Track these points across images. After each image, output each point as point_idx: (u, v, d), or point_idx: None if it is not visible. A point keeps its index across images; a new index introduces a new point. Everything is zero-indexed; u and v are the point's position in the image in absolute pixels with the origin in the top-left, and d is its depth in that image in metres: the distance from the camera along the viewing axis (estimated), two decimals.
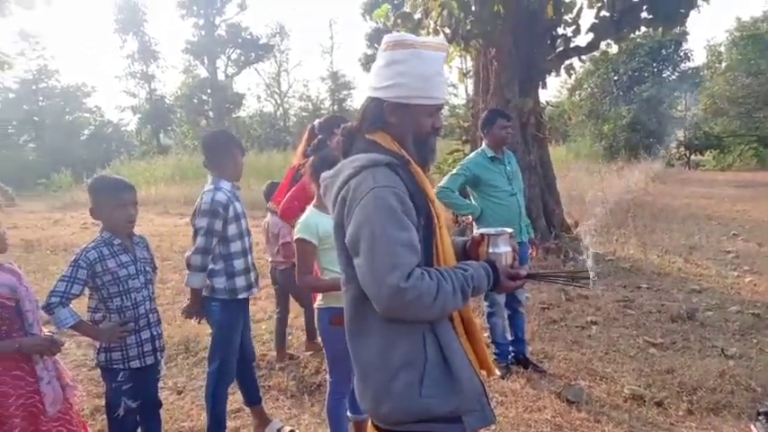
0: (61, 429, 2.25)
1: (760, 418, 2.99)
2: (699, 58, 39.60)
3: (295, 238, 2.55)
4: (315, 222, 2.55)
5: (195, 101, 32.74)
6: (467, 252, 1.78)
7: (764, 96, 24.80)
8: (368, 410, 1.61)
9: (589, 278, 1.81)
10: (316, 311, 2.67)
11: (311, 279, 2.57)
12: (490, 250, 1.68)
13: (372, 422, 1.62)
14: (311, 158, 2.73)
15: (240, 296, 2.99)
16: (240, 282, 2.97)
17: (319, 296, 2.65)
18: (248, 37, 33.24)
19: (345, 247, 1.53)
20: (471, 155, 4.18)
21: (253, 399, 3.28)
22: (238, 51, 33.64)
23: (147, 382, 2.58)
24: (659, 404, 3.41)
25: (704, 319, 4.93)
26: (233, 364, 3.04)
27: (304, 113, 37.30)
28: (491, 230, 1.71)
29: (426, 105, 1.60)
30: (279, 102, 39.40)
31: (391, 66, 1.58)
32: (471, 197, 4.11)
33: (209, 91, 32.84)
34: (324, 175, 1.68)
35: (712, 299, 5.55)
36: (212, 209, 2.83)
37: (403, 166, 1.56)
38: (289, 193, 3.22)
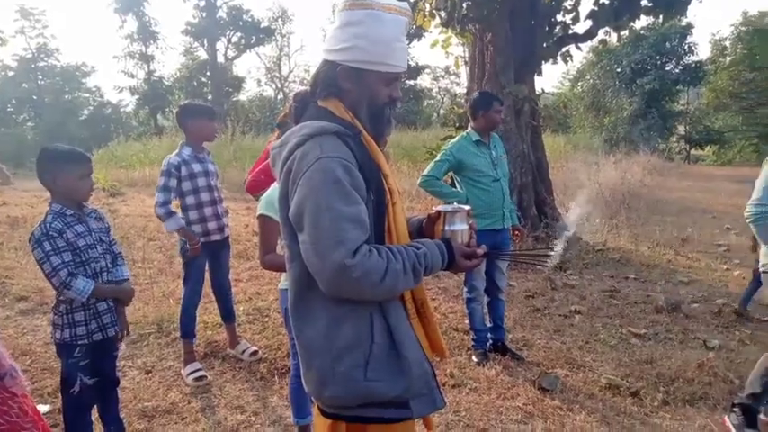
0: None
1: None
2: (703, 52, 39.28)
3: (257, 214, 2.47)
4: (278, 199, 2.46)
5: (194, 83, 32.41)
6: (422, 230, 1.70)
7: None
8: (312, 394, 1.54)
9: (549, 257, 1.73)
10: (279, 292, 2.60)
11: (273, 258, 2.49)
12: (446, 228, 1.60)
13: (318, 407, 1.56)
14: (279, 132, 2.66)
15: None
16: (196, 228, 3.54)
17: (282, 276, 2.58)
18: (249, 20, 32.85)
19: (290, 222, 1.46)
20: (455, 139, 4.08)
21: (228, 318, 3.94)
22: (239, 34, 33.23)
23: (105, 358, 2.52)
24: (635, 394, 3.36)
25: (689, 310, 4.88)
26: (200, 286, 3.70)
27: None
28: (447, 207, 1.63)
29: (383, 73, 1.51)
30: (279, 86, 39.07)
31: (347, 27, 1.48)
32: (456, 183, 4.03)
33: (208, 73, 32.53)
34: (273, 144, 1.60)
35: (699, 291, 5.50)
36: (166, 169, 3.42)
37: (354, 137, 1.47)
38: (259, 167, 3.16)
